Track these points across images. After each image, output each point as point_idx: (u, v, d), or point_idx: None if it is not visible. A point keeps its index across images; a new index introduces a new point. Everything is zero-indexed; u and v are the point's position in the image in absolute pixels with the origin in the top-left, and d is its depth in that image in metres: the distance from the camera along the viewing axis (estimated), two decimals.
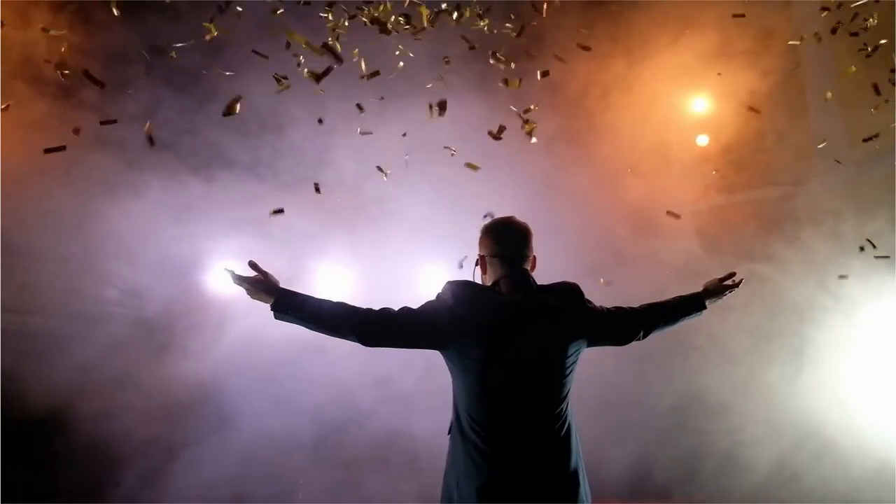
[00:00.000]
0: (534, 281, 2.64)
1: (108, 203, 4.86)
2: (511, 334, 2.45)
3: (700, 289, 3.00)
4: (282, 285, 2.43)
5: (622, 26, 5.79)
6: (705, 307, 2.93)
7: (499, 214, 3.07)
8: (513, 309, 2.48)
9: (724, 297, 2.99)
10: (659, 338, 4.67)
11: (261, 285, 2.42)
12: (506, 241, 2.68)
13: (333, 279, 5.84)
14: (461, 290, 2.54)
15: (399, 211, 5.63)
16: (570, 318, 2.54)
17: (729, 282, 2.98)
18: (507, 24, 5.14)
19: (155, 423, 4.47)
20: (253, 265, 2.44)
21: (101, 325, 5.03)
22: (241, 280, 2.42)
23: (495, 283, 2.63)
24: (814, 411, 4.83)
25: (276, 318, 2.44)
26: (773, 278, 5.37)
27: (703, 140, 6.70)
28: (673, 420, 5.26)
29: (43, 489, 4.32)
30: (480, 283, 2.72)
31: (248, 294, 2.43)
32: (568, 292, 2.64)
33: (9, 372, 4.21)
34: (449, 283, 2.55)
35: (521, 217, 2.86)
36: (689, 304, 2.92)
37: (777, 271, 5.37)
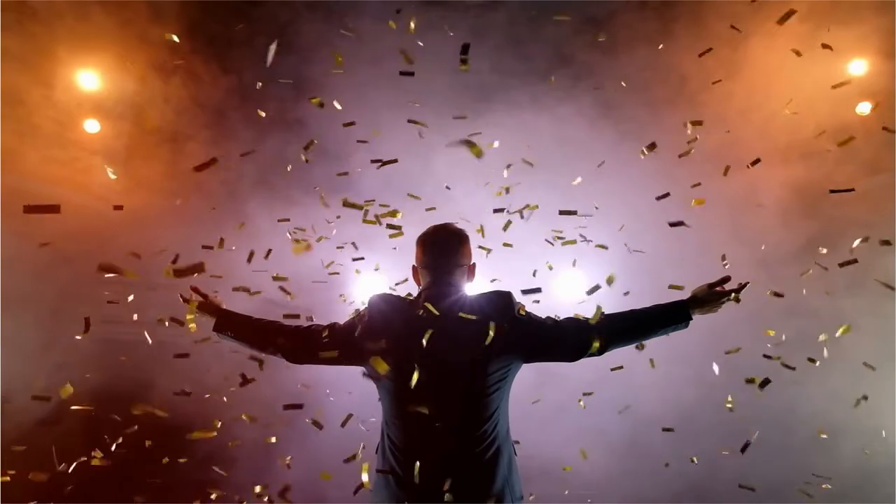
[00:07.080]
0: (456, 291, 2.48)
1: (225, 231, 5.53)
2: (423, 350, 2.31)
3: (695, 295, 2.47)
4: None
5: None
6: (690, 318, 2.42)
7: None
8: (425, 323, 2.33)
9: (719, 307, 2.46)
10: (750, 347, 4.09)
11: (205, 307, 2.63)
12: (431, 249, 2.57)
13: None
14: (378, 305, 2.49)
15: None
16: (493, 331, 2.32)
17: (721, 288, 2.47)
18: None
19: (259, 428, 4.96)
20: (195, 289, 2.65)
21: None
22: (187, 302, 2.65)
23: (417, 295, 2.54)
24: None
25: (219, 337, 2.65)
26: None
27: (864, 107, 5.85)
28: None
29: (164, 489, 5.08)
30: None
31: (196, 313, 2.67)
32: (493, 303, 2.42)
33: (145, 380, 4.99)
34: (372, 296, 2.52)
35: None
36: (669, 315, 2.42)
37: None
